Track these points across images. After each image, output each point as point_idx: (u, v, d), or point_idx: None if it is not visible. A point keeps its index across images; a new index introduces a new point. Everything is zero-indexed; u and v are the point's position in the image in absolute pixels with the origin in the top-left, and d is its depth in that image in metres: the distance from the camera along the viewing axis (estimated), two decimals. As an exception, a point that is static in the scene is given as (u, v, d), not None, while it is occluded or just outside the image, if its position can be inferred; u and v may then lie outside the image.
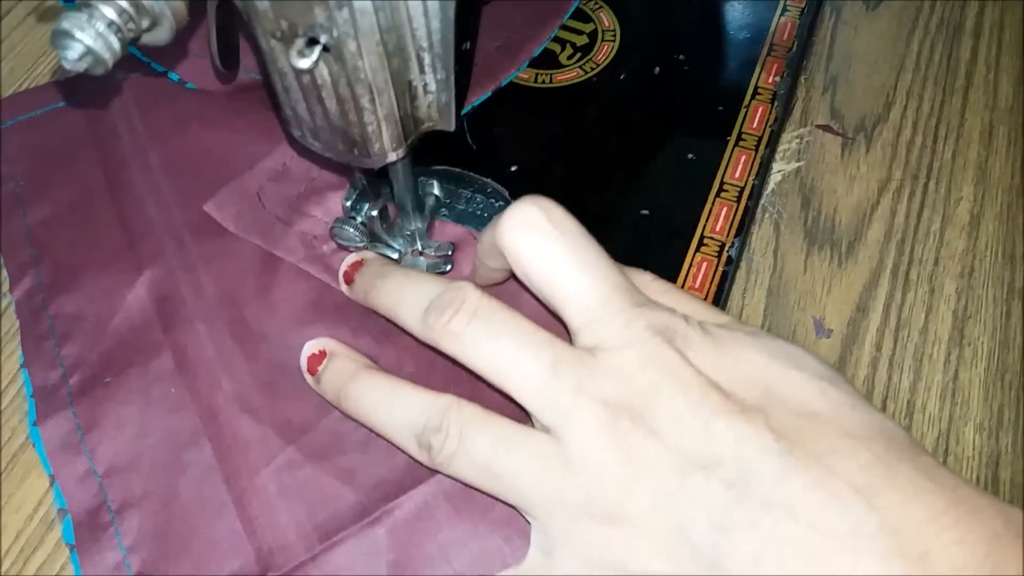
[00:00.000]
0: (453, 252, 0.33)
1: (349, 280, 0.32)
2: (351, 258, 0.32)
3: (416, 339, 0.28)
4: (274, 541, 0.28)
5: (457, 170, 0.36)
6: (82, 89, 0.39)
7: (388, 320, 0.29)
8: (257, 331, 0.32)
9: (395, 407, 0.27)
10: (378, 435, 0.28)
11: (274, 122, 0.37)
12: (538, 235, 0.25)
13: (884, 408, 0.32)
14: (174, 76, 0.39)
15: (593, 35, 0.41)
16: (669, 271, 0.33)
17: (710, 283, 0.33)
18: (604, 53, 0.41)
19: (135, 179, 0.36)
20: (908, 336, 0.33)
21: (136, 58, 0.39)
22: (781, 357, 0.24)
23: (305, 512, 0.28)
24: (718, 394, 0.23)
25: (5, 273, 0.35)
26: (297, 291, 0.33)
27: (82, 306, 0.33)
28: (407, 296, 0.28)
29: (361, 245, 0.32)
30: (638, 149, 0.37)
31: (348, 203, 0.32)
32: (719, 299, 0.33)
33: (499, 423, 0.25)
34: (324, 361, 0.30)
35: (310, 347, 0.30)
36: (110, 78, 0.39)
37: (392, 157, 0.27)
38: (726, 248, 0.34)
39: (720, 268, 0.33)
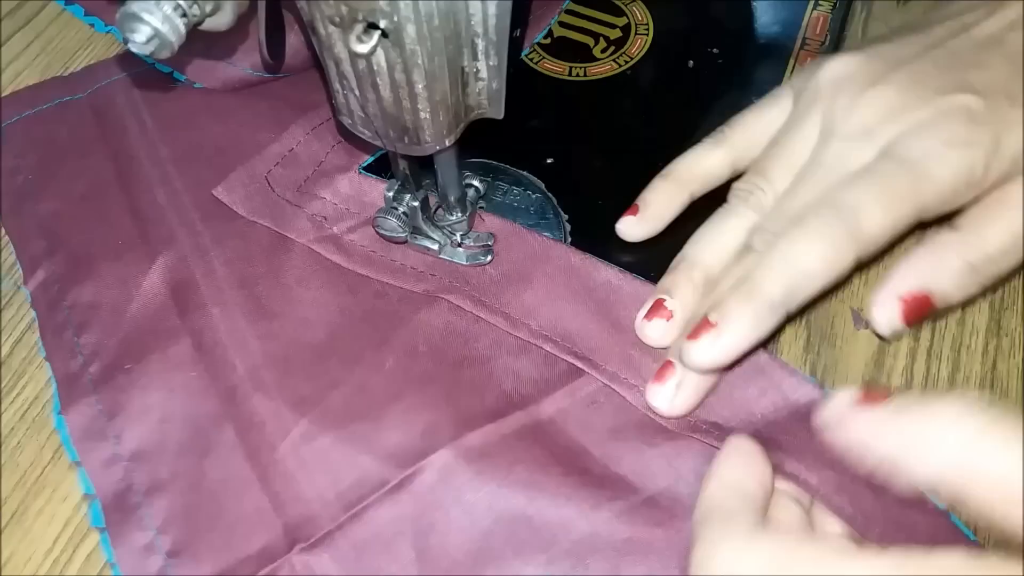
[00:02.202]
0: (493, 243, 0.33)
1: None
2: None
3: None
4: (299, 514, 0.28)
5: (494, 163, 0.37)
6: (88, 84, 0.40)
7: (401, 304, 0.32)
8: (269, 311, 0.33)
9: None
10: (393, 400, 0.30)
11: (280, 112, 0.37)
12: None
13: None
14: (180, 76, 0.39)
15: (626, 29, 0.41)
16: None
17: (749, 274, 0.33)
18: (638, 46, 0.41)
19: (145, 170, 0.36)
20: (946, 326, 0.33)
21: (140, 59, 0.39)
22: None
23: (326, 482, 0.29)
24: None
25: (18, 266, 0.35)
26: (308, 271, 0.34)
27: (98, 295, 0.33)
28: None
29: (403, 236, 0.32)
30: (673, 142, 0.37)
31: (390, 194, 0.32)
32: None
33: None
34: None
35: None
36: (115, 74, 0.40)
37: (442, 145, 0.27)
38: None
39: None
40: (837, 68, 0.31)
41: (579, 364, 0.30)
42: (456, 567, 0.27)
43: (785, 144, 0.31)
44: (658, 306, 0.30)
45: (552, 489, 0.28)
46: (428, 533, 0.27)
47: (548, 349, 0.31)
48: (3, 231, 0.36)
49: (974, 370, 0.32)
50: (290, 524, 0.28)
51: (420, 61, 0.24)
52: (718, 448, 0.27)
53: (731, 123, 0.34)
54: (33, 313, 0.33)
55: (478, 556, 0.27)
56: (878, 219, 0.27)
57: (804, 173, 0.30)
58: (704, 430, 0.29)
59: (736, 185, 0.32)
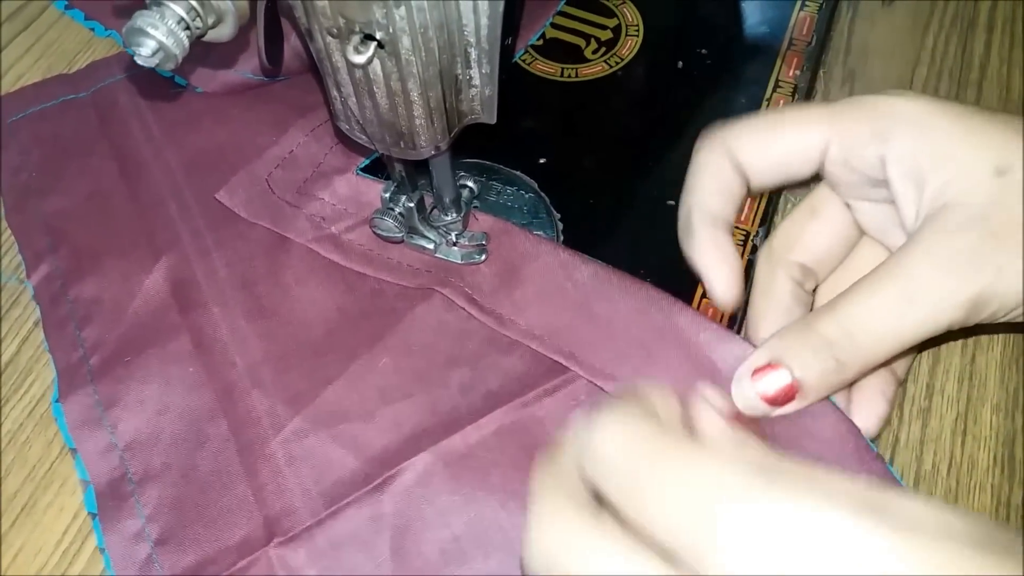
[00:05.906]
0: (487, 242, 0.34)
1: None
2: None
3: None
4: (281, 508, 0.29)
5: (488, 163, 0.37)
6: (90, 83, 0.40)
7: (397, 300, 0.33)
8: (269, 310, 0.34)
9: None
10: (384, 400, 0.31)
11: (280, 114, 0.38)
12: None
13: (904, 390, 0.33)
14: (181, 81, 0.40)
15: (617, 30, 0.42)
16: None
17: (736, 271, 0.34)
18: (628, 47, 0.42)
19: (149, 171, 0.37)
20: (927, 321, 0.34)
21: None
22: None
23: (312, 479, 0.30)
24: None
25: (20, 260, 0.36)
26: (307, 270, 0.35)
27: (100, 291, 0.34)
28: None
29: (399, 236, 0.33)
30: (663, 141, 0.38)
31: (387, 195, 0.33)
32: (746, 287, 0.34)
33: None
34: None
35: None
36: (117, 73, 0.41)
37: (436, 150, 0.28)
38: (751, 237, 0.35)
39: (746, 257, 0.34)
40: None
41: (564, 362, 0.31)
42: (428, 567, 0.28)
43: None
44: None
45: (524, 493, 0.29)
46: (404, 533, 0.28)
47: (535, 347, 0.32)
48: (6, 229, 0.37)
49: (954, 363, 0.33)
50: (270, 517, 0.29)
51: (415, 70, 0.24)
52: None
53: None
54: (39, 312, 0.34)
55: (450, 558, 0.28)
56: None
57: None
58: None
59: None
